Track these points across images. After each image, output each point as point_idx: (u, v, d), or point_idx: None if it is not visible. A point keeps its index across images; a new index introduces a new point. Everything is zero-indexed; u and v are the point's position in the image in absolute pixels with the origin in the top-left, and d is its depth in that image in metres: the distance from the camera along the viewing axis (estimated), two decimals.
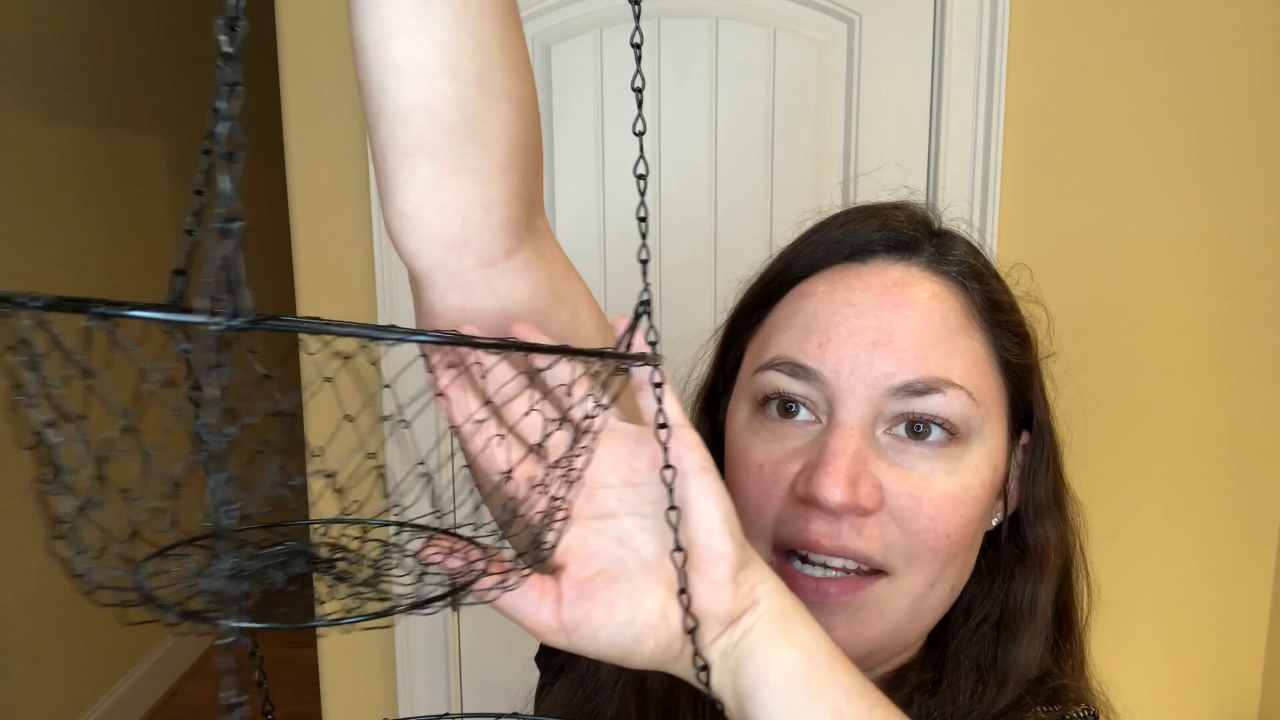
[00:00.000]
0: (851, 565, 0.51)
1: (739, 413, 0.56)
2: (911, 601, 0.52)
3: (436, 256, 0.45)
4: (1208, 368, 1.62)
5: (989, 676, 0.54)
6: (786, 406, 0.53)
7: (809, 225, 0.60)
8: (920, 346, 0.51)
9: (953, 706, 0.53)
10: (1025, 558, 0.56)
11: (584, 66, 1.57)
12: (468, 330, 0.36)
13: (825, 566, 0.51)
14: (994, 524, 0.57)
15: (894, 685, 0.55)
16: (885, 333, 0.51)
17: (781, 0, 1.54)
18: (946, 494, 0.51)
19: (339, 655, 1.71)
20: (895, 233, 0.55)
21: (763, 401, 0.54)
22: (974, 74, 1.52)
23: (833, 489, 0.48)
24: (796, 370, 0.52)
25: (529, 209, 0.48)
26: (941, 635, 0.57)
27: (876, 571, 0.51)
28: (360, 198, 1.59)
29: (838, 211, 0.59)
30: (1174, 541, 1.67)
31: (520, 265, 0.47)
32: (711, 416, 0.60)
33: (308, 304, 1.64)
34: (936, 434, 0.51)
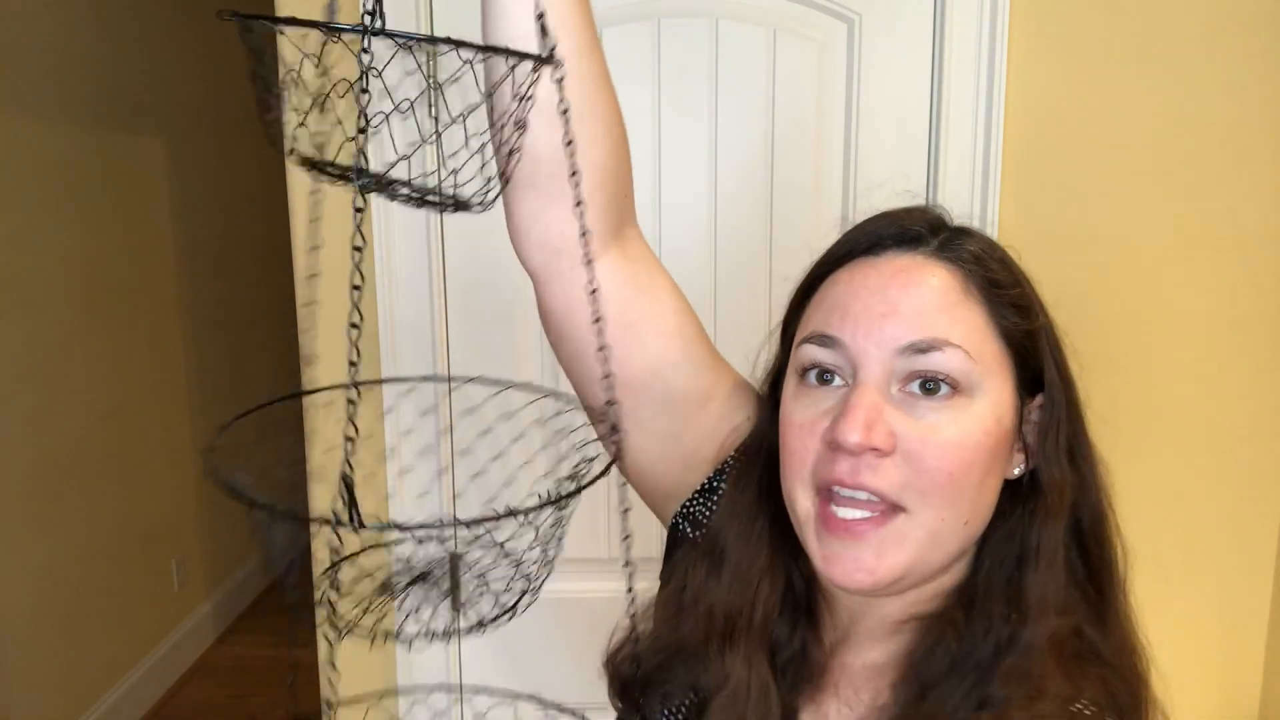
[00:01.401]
0: (874, 500, 0.60)
1: (789, 385, 0.67)
2: (928, 533, 0.61)
3: (541, 259, 0.68)
4: (1208, 367, 1.62)
5: (1014, 607, 0.62)
6: (823, 376, 0.63)
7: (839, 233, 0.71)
8: (922, 314, 0.61)
9: (986, 636, 0.61)
10: (1036, 501, 0.64)
11: None
12: None
13: (854, 507, 0.61)
14: (1016, 474, 0.65)
15: (940, 620, 0.63)
16: (893, 305, 0.61)
17: (781, 0, 1.54)
18: (950, 439, 0.60)
19: (338, 655, 1.70)
20: (904, 229, 0.65)
21: (803, 372, 0.64)
22: (974, 74, 1.52)
23: (851, 433, 0.59)
24: (824, 340, 0.63)
25: (617, 222, 0.69)
26: (974, 574, 0.65)
27: (895, 509, 0.60)
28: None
29: (866, 219, 0.69)
30: (1174, 540, 1.67)
31: (607, 266, 0.68)
32: (775, 394, 0.70)
33: (307, 304, 1.64)
34: (943, 389, 0.60)
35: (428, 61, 0.44)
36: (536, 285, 0.69)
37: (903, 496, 0.60)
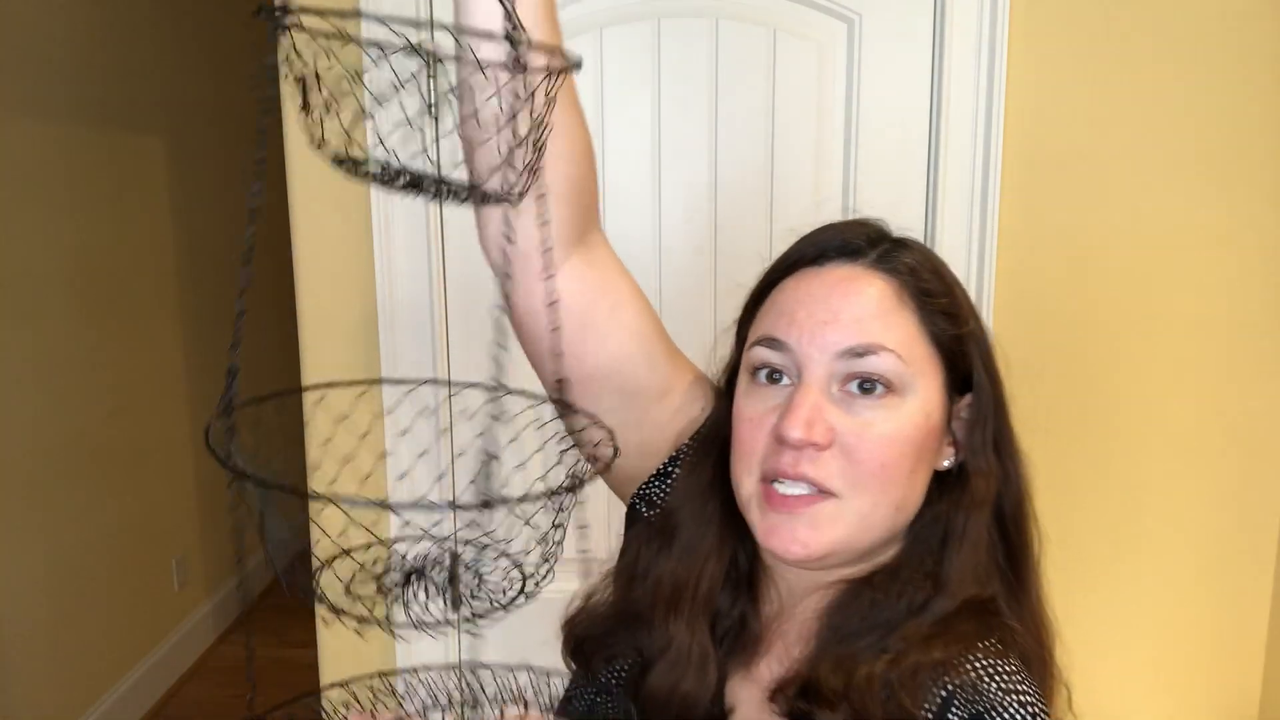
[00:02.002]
0: (811, 488, 0.67)
1: (742, 382, 0.73)
2: (859, 516, 0.68)
3: (506, 262, 0.74)
4: (1209, 367, 1.62)
5: (932, 580, 0.69)
6: (772, 375, 0.70)
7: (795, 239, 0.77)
8: (859, 321, 0.67)
9: (901, 599, 0.69)
10: (963, 491, 0.71)
11: (584, 66, 1.57)
12: None
13: (793, 487, 0.68)
14: (945, 465, 0.72)
15: (862, 582, 0.71)
16: (834, 313, 0.68)
17: (781, 0, 1.54)
18: (883, 434, 0.67)
19: (338, 655, 1.71)
20: (846, 242, 0.72)
21: (754, 372, 0.71)
22: (974, 74, 1.52)
23: (793, 429, 0.66)
24: (773, 343, 0.70)
25: (582, 229, 0.75)
26: (903, 549, 0.73)
27: (830, 494, 0.67)
28: (359, 197, 1.59)
29: (812, 230, 0.75)
30: (1174, 541, 1.67)
31: (571, 271, 0.74)
32: (731, 388, 0.77)
33: (308, 302, 1.64)
34: (878, 389, 0.67)
35: (433, 63, 0.45)
36: (503, 285, 0.78)
37: (838, 485, 0.67)
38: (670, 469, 0.80)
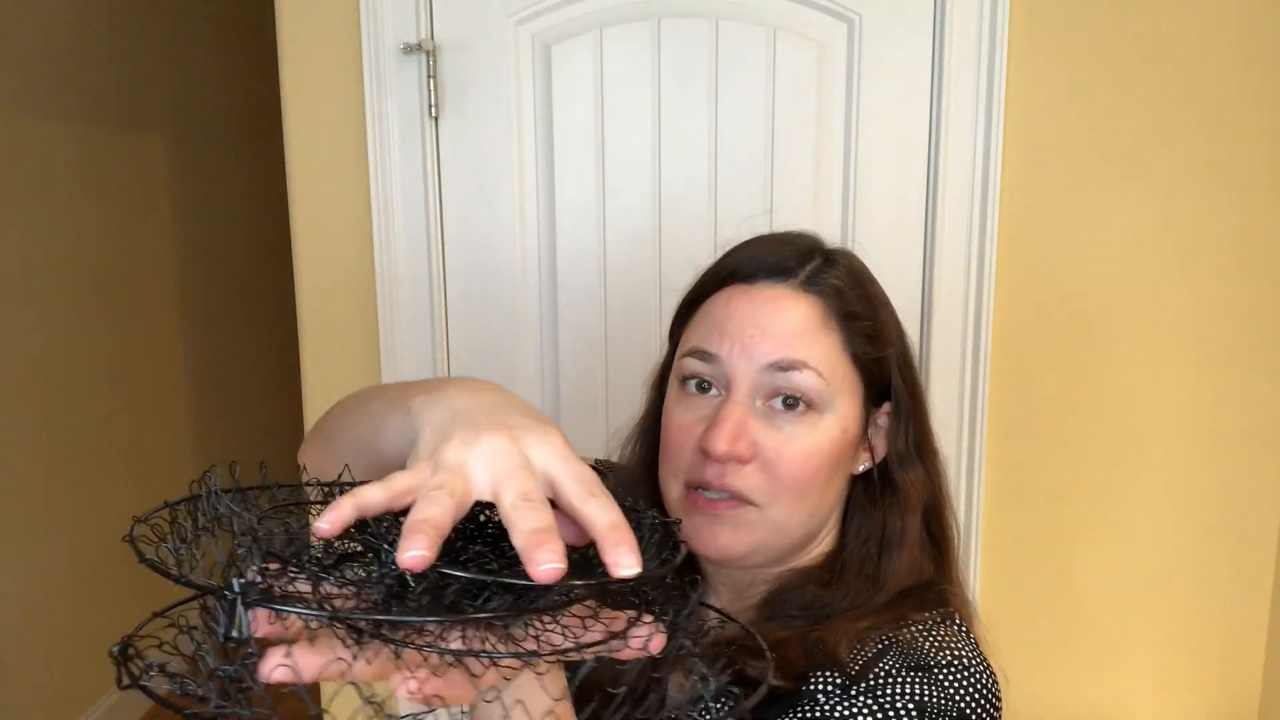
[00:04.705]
0: (733, 494, 0.72)
1: (673, 387, 0.78)
2: (775, 524, 0.73)
3: None
4: (1210, 366, 1.62)
5: (871, 581, 0.74)
6: (701, 385, 0.75)
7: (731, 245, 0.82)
8: (785, 338, 0.72)
9: (842, 599, 0.73)
10: (895, 496, 0.76)
11: (584, 66, 1.57)
12: None
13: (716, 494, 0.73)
14: (861, 469, 0.78)
15: (799, 578, 0.75)
16: (762, 329, 0.72)
17: (781, 0, 1.54)
18: (801, 450, 0.72)
19: None
20: (778, 262, 0.75)
21: (683, 381, 0.76)
22: (974, 74, 1.52)
23: (719, 443, 0.70)
24: (704, 355, 0.74)
25: None
26: (840, 551, 0.78)
27: (750, 503, 0.72)
28: (360, 196, 1.59)
29: (743, 241, 0.80)
30: (1173, 540, 1.67)
31: None
32: (660, 391, 0.82)
33: (309, 302, 1.64)
34: (799, 406, 0.72)
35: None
36: None
37: (759, 497, 0.72)
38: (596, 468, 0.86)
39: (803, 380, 0.71)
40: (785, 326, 0.72)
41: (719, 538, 0.72)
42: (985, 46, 1.51)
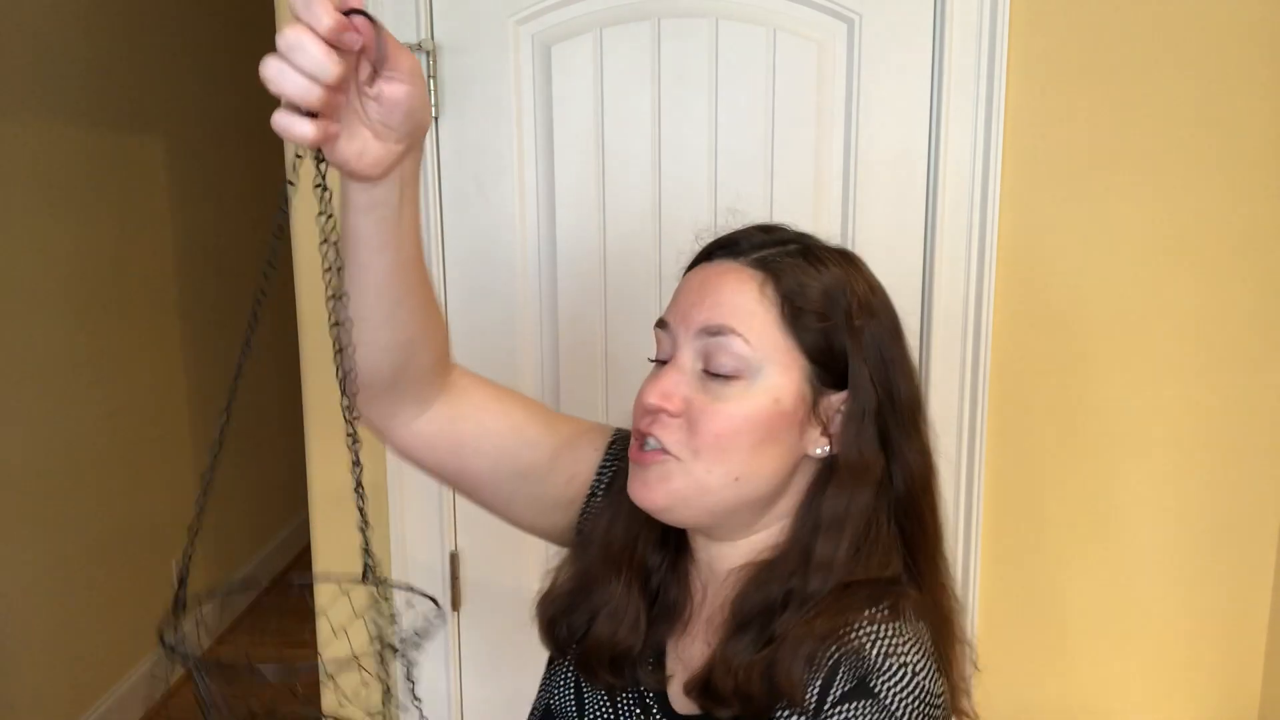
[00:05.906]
0: (659, 446, 0.77)
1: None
2: (693, 480, 0.76)
3: (386, 411, 0.83)
4: (1210, 366, 1.62)
5: (805, 564, 0.77)
6: (661, 355, 0.81)
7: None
8: (720, 306, 0.76)
9: (802, 587, 0.76)
10: (835, 477, 0.78)
11: (584, 66, 1.57)
12: None
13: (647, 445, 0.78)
14: (818, 454, 0.79)
15: (769, 569, 0.78)
16: (702, 297, 0.78)
17: (781, 0, 1.54)
18: (723, 410, 0.75)
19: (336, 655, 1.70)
20: (732, 243, 0.82)
21: (656, 354, 0.82)
22: (974, 74, 1.52)
23: (649, 395, 0.77)
24: (661, 324, 0.81)
25: (440, 382, 0.84)
26: (795, 535, 0.80)
27: (672, 455, 0.77)
28: None
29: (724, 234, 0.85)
30: (1174, 541, 1.67)
31: (434, 413, 0.84)
32: None
33: (308, 305, 1.64)
34: (726, 369, 0.75)
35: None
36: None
37: (679, 450, 0.76)
38: (596, 491, 0.90)
39: (729, 344, 0.75)
40: (721, 296, 0.77)
41: (643, 487, 0.78)
42: (985, 46, 1.51)
